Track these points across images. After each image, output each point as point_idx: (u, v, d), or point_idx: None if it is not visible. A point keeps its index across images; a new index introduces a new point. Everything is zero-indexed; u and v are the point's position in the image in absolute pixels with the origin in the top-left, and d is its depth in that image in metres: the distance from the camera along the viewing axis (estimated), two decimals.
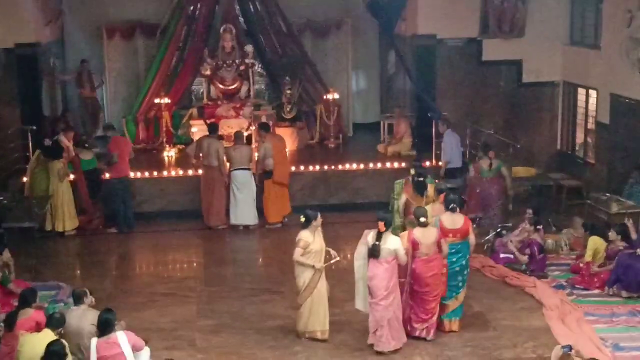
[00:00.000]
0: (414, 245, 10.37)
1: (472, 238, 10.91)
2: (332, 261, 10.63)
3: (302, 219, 10.41)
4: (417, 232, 10.47)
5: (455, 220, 10.85)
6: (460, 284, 10.85)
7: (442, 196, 11.90)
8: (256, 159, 15.53)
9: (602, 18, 16.49)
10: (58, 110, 19.07)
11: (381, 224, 10.07)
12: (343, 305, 11.64)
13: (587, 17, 17.57)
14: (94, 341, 8.50)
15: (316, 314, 10.53)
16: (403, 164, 16.44)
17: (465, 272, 10.92)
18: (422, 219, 10.49)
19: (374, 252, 10.04)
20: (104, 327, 8.55)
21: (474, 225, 13.32)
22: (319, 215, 10.48)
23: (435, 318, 10.60)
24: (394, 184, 13.46)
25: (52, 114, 18.47)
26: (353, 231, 14.68)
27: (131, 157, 15.62)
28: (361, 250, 10.32)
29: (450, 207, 10.94)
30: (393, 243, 10.07)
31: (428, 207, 11.36)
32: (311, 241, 10.36)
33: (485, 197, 14.83)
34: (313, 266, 10.38)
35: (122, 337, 8.53)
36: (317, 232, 10.48)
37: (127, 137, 18.38)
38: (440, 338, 10.61)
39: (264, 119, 18.14)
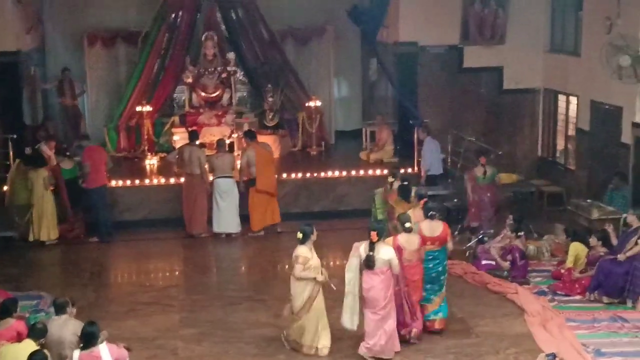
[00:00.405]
0: (399, 251, 10.38)
1: (450, 245, 11.06)
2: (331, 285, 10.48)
3: (300, 236, 10.19)
4: (402, 238, 10.54)
5: (433, 228, 10.94)
6: (437, 288, 10.95)
7: (422, 202, 11.94)
8: (239, 166, 15.51)
9: (582, 25, 16.62)
10: (39, 118, 18.97)
11: (374, 234, 9.98)
12: (327, 313, 11.61)
13: (567, 24, 17.70)
14: (77, 353, 8.43)
15: (317, 330, 10.37)
16: (385, 171, 16.39)
17: (442, 278, 11.01)
18: (407, 225, 10.53)
19: (369, 263, 9.95)
20: (88, 340, 8.48)
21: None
22: (314, 230, 10.35)
23: (419, 322, 10.65)
24: (373, 194, 13.49)
25: (33, 123, 18.37)
26: (336, 239, 14.80)
27: (109, 166, 15.51)
28: (353, 262, 10.15)
29: (429, 214, 11.06)
30: (387, 253, 10.03)
31: (410, 213, 11.44)
32: (310, 257, 10.22)
33: (480, 204, 14.86)
34: (315, 278, 10.18)
35: (104, 351, 8.46)
36: (312, 247, 10.36)
37: (109, 145, 18.40)
38: (422, 345, 10.63)
39: (246, 127, 18.15)
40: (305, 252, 10.19)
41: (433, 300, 10.88)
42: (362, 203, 15.83)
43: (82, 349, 8.45)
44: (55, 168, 15.37)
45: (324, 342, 10.40)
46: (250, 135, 15.77)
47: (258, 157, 15.31)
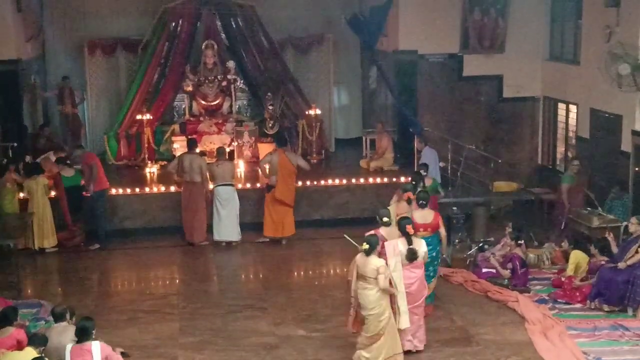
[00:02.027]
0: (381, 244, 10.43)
1: (442, 231, 11.65)
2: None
3: (366, 247, 9.76)
4: (383, 232, 10.74)
5: (425, 216, 11.56)
6: (432, 274, 11.45)
7: (406, 194, 12.16)
8: (239, 174, 15.48)
9: (582, 33, 16.65)
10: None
11: (409, 227, 10.33)
12: (326, 321, 11.64)
13: (566, 32, 17.73)
14: (69, 346, 8.63)
15: (395, 337, 10.02)
16: (385, 179, 16.49)
17: (436, 263, 11.72)
18: (385, 219, 10.81)
19: (413, 256, 10.22)
20: (81, 334, 8.67)
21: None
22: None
23: None
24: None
25: (34, 131, 18.38)
26: (336, 247, 14.82)
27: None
28: (394, 262, 10.08)
29: (420, 203, 11.68)
30: (422, 245, 10.45)
31: (392, 207, 11.99)
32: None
33: None
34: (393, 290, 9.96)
35: (96, 347, 8.61)
36: None
37: (109, 153, 18.46)
38: (423, 353, 10.61)
39: (246, 135, 18.20)
40: (382, 262, 9.81)
41: (427, 287, 11.02)
42: (362, 211, 15.87)
43: (76, 342, 8.61)
44: (56, 176, 15.37)
45: (399, 348, 10.09)
46: (280, 141, 15.72)
47: (281, 165, 15.24)
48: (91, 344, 8.62)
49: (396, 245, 10.19)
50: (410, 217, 10.97)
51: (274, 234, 15.46)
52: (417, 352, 10.56)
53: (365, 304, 9.74)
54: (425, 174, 14.20)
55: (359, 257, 9.84)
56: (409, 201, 12.04)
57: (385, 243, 10.23)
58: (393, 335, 9.94)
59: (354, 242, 10.59)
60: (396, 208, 11.93)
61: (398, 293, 9.98)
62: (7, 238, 13.52)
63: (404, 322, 10.10)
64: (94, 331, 8.81)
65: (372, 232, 10.54)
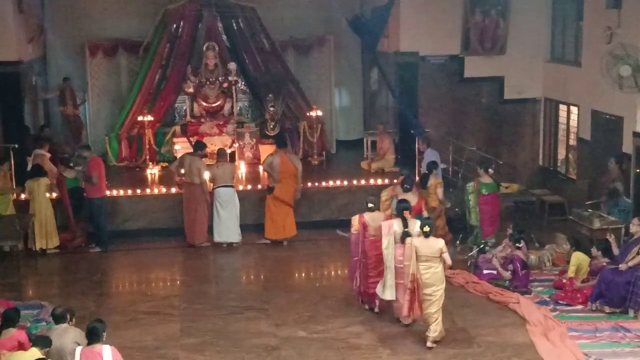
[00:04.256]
0: (364, 227, 11.75)
1: (425, 214, 12.53)
2: None
3: (427, 229, 10.74)
4: (367, 216, 11.84)
5: (410, 199, 12.24)
6: None
7: (400, 179, 13.30)
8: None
9: (583, 35, 16.65)
10: None
11: (406, 213, 11.35)
12: (327, 323, 11.64)
13: (567, 34, 17.73)
14: (79, 349, 8.54)
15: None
16: (386, 181, 16.47)
17: None
18: (370, 205, 11.92)
19: (409, 234, 11.02)
20: (90, 336, 8.59)
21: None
22: None
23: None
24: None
25: (35, 132, 18.39)
26: (337, 248, 14.80)
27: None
28: (388, 240, 11.18)
29: (404, 187, 12.73)
30: (416, 225, 11.09)
31: (388, 190, 13.58)
32: None
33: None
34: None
35: (106, 351, 8.52)
36: None
37: (110, 154, 18.48)
38: (423, 355, 10.64)
39: (247, 137, 18.20)
40: (443, 242, 10.83)
41: None
42: (362, 213, 15.80)
43: (87, 345, 8.53)
44: (59, 177, 15.37)
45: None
46: (280, 142, 15.72)
47: (282, 165, 15.25)
48: (102, 347, 8.53)
49: (391, 225, 11.24)
50: (408, 201, 11.87)
51: (275, 236, 15.45)
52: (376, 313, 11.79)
53: (434, 281, 10.74)
54: (435, 172, 14.83)
55: (417, 240, 10.76)
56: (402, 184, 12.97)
57: (382, 223, 11.47)
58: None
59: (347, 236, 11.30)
60: (391, 191, 13.46)
61: (387, 268, 11.22)
62: (7, 239, 13.51)
63: (389, 294, 11.30)
64: (104, 333, 8.72)
65: (357, 216, 11.93)
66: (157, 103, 19.05)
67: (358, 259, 11.93)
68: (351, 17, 18.26)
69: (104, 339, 8.70)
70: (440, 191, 14.69)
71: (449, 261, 10.76)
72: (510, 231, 13.76)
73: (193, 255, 15.14)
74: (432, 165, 15.05)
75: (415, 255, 10.68)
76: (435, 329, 10.78)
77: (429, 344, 10.76)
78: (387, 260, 11.23)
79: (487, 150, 17.42)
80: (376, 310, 11.89)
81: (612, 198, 14.36)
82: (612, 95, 14.83)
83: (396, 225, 11.22)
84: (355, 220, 11.96)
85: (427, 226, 10.73)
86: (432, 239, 10.76)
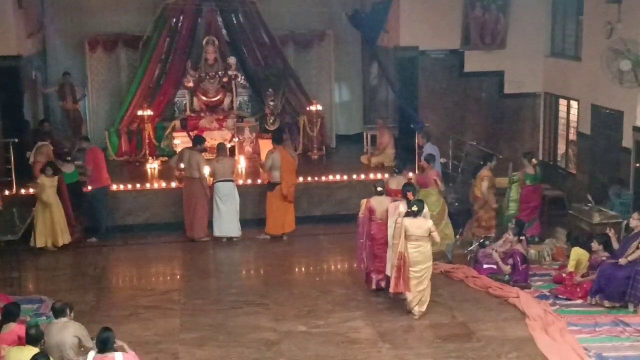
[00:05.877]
0: (371, 211, 12.33)
1: (409, 196, 12.64)
2: None
3: (415, 209, 11.47)
4: (374, 201, 12.39)
5: (399, 182, 13.22)
6: None
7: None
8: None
9: (583, 29, 16.63)
10: None
11: (409, 194, 12.23)
12: (327, 317, 11.65)
13: (567, 28, 17.71)
14: (92, 354, 8.47)
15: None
16: (386, 175, 16.44)
17: None
18: (379, 189, 12.47)
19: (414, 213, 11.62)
20: (103, 345, 8.48)
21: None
22: None
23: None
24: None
25: (34, 127, 18.38)
26: (337, 242, 14.80)
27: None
28: (394, 220, 11.79)
29: (394, 171, 13.87)
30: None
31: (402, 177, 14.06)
32: None
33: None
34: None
35: (119, 359, 8.46)
36: None
37: (109, 149, 18.47)
38: (423, 349, 10.65)
39: (247, 131, 18.19)
40: (431, 222, 11.60)
41: None
42: None
43: (98, 352, 8.47)
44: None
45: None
46: (277, 138, 15.73)
47: (283, 161, 15.23)
48: (114, 356, 8.44)
49: (398, 206, 11.87)
50: (413, 184, 12.88)
51: (275, 231, 15.45)
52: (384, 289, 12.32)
53: (423, 259, 11.46)
54: (432, 165, 14.82)
55: (406, 220, 11.39)
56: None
57: (390, 204, 12.15)
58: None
59: None
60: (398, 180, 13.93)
61: (391, 246, 11.88)
62: (9, 233, 13.52)
63: (389, 269, 11.97)
64: (115, 340, 8.65)
65: (365, 200, 12.52)
66: (156, 97, 19.04)
67: (363, 242, 12.49)
68: (351, 11, 18.22)
69: (114, 347, 8.59)
70: (485, 184, 14.63)
71: (437, 239, 11.56)
72: (511, 226, 13.75)
73: (193, 249, 15.14)
74: (429, 158, 14.99)
75: (404, 234, 11.31)
76: (425, 301, 11.63)
77: (416, 315, 11.58)
78: (390, 239, 11.93)
79: (487, 145, 17.43)
80: (383, 286, 12.41)
81: (620, 183, 14.38)
82: (612, 90, 14.82)
83: (402, 206, 11.82)
84: (363, 204, 12.51)
85: (415, 206, 11.43)
86: (420, 218, 11.44)
